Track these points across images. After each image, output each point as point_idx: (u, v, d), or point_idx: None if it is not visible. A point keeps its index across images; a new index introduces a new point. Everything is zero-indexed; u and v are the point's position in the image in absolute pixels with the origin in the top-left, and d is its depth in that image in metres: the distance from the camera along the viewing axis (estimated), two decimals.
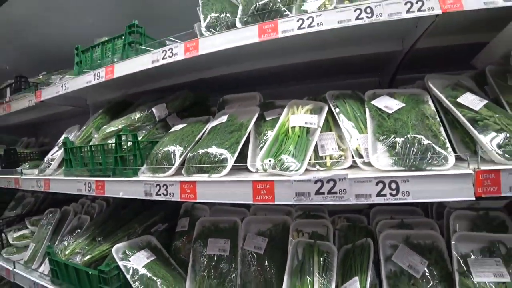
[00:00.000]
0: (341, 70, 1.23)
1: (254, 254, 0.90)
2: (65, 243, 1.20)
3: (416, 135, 0.70)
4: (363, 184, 0.67)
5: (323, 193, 0.68)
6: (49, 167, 1.34)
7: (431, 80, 0.86)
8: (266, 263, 0.87)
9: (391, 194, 0.66)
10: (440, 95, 0.80)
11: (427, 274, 0.76)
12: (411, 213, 0.95)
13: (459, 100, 0.79)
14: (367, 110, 0.83)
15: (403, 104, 0.81)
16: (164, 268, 0.97)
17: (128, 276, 0.93)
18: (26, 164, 1.57)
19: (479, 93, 0.90)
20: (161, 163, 0.92)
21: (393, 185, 0.66)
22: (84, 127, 1.27)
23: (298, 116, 0.85)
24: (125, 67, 1.11)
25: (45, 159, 1.40)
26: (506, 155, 0.67)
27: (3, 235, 1.56)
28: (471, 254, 0.76)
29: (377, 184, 0.66)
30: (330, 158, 0.79)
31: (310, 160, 0.78)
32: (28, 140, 1.95)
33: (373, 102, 0.84)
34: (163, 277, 0.93)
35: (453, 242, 0.77)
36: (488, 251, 0.76)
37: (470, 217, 0.83)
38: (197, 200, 0.80)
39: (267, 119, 0.94)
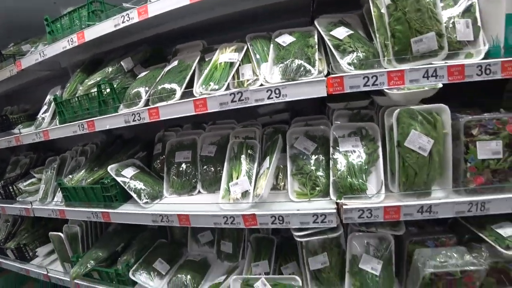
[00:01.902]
0: (274, 14, 1.68)
1: (208, 157, 1.49)
2: (70, 176, 1.78)
3: (294, 59, 1.23)
4: (259, 93, 1.21)
5: (235, 101, 1.23)
6: (43, 122, 1.86)
7: (318, 20, 1.36)
8: (215, 162, 1.47)
9: (276, 97, 1.21)
10: (320, 30, 1.31)
11: (315, 151, 1.36)
12: (317, 119, 1.52)
13: (331, 32, 1.31)
14: (271, 45, 1.34)
15: (294, 39, 1.32)
16: (147, 176, 1.56)
17: (122, 183, 1.51)
18: (19, 125, 2.08)
19: (356, 27, 1.41)
20: (133, 100, 1.45)
21: (277, 91, 1.21)
22: (67, 84, 1.75)
23: (225, 55, 1.36)
24: (93, 32, 1.56)
25: (38, 117, 1.91)
26: (350, 67, 1.21)
27: (14, 187, 2.13)
28: (343, 136, 1.34)
29: (267, 91, 1.21)
30: (247, 81, 1.33)
31: (235, 83, 1.31)
32: (12, 109, 2.42)
33: (276, 39, 1.35)
34: (146, 181, 1.53)
35: (333, 131, 1.34)
36: (353, 134, 1.35)
37: (347, 114, 1.40)
38: (160, 119, 1.35)
39: (206, 60, 1.45)
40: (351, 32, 1.30)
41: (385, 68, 1.17)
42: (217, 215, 1.29)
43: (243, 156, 1.37)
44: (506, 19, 1.13)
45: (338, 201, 1.21)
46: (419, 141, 1.12)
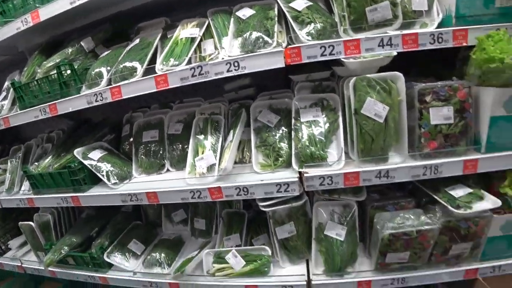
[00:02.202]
0: None
1: (175, 135, 1.50)
2: (36, 164, 1.74)
3: (253, 31, 1.24)
4: (218, 66, 1.22)
5: (195, 76, 1.24)
6: (2, 109, 1.80)
7: None
8: (182, 139, 1.48)
9: (235, 69, 1.22)
10: (280, 2, 1.32)
11: (278, 123, 1.39)
12: (282, 92, 1.55)
13: (290, 4, 1.32)
14: (232, 19, 1.34)
15: (254, 12, 1.33)
16: (115, 158, 1.56)
17: (89, 166, 1.51)
18: None
19: None
20: (95, 80, 1.42)
21: (236, 64, 1.22)
22: (25, 68, 1.70)
23: (186, 30, 1.36)
24: (48, 11, 1.50)
25: None
26: (307, 37, 1.23)
27: None
28: (305, 107, 1.38)
29: (226, 64, 1.22)
30: (209, 56, 1.33)
31: (196, 57, 1.31)
32: None
33: (236, 13, 1.35)
34: (114, 162, 1.53)
35: (294, 102, 1.38)
36: (315, 105, 1.38)
37: (310, 86, 1.44)
38: (123, 97, 1.34)
39: (169, 36, 1.43)
40: (310, 3, 1.32)
41: (342, 38, 1.20)
42: (184, 190, 1.32)
43: (208, 132, 1.39)
44: None
45: (300, 170, 1.25)
46: (374, 108, 1.17)
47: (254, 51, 1.22)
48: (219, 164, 1.30)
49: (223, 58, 1.25)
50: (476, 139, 1.27)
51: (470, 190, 1.29)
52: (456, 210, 1.21)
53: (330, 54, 1.20)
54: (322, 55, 1.20)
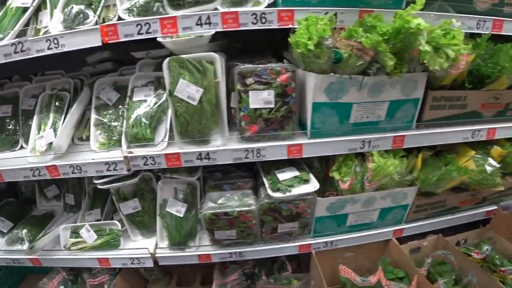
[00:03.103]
0: None
1: (28, 111, 1.52)
2: None
3: (75, 5, 1.21)
4: (38, 43, 1.20)
5: (18, 52, 1.23)
6: None
7: None
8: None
9: (55, 47, 1.21)
10: None
11: (117, 101, 1.42)
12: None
13: None
14: None
15: None
16: None
17: None
18: None
19: None
20: None
21: (55, 41, 1.20)
22: None
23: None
24: None
25: None
26: (125, 13, 1.20)
27: None
28: (141, 85, 1.39)
29: (46, 41, 1.20)
30: (45, 28, 1.30)
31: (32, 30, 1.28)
32: None
33: None
34: None
35: (130, 80, 1.38)
36: (151, 83, 1.39)
37: (153, 64, 1.44)
38: None
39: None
40: None
41: (159, 15, 1.18)
42: (25, 168, 1.36)
43: (51, 108, 1.41)
44: None
45: (123, 150, 1.30)
46: (187, 90, 1.19)
47: (73, 27, 1.20)
48: None
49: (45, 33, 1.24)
50: (304, 124, 1.31)
51: (297, 173, 1.36)
52: (273, 193, 1.28)
53: (147, 32, 1.19)
54: (138, 33, 1.19)
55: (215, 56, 1.19)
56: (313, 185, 1.32)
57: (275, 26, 1.20)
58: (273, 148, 1.29)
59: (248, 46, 1.72)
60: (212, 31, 1.18)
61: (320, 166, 1.50)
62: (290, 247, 1.51)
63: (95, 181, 1.37)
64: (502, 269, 1.55)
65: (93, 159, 1.32)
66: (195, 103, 1.20)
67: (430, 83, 1.40)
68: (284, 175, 1.36)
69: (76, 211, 1.72)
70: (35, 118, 1.42)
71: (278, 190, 1.30)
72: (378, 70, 1.18)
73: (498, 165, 1.54)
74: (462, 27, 1.34)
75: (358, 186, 1.38)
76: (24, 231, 1.58)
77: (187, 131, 1.24)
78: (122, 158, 1.30)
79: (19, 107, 1.54)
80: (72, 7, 1.21)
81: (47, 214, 1.73)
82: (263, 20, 1.19)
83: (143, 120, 1.30)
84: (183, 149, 1.27)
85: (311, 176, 1.37)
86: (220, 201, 1.33)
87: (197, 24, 1.18)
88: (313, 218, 1.43)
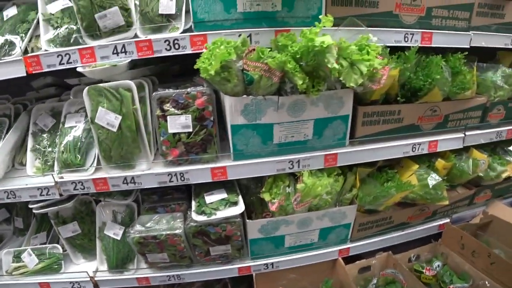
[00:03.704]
0: None
1: None
2: None
3: (3, 35, 1.27)
4: None
5: None
6: None
7: None
8: None
9: None
10: (39, 3, 1.34)
11: (53, 127, 1.47)
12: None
13: (48, 5, 1.33)
14: None
15: (16, 12, 1.35)
16: None
17: None
18: None
19: None
20: None
21: None
22: None
23: None
24: None
25: None
26: (48, 44, 1.26)
27: None
28: (74, 111, 1.44)
29: None
30: None
31: None
32: None
33: (3, 12, 1.38)
34: None
35: (64, 106, 1.43)
36: (83, 109, 1.44)
37: None
38: None
39: None
40: (70, 5, 1.32)
41: (78, 46, 1.23)
42: None
43: None
44: None
45: (55, 175, 1.34)
46: (106, 118, 1.24)
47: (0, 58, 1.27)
48: None
49: None
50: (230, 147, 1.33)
51: (225, 196, 1.37)
52: (196, 217, 1.30)
53: (68, 62, 1.24)
54: (60, 63, 1.25)
55: (131, 83, 1.23)
56: (240, 207, 1.33)
57: (189, 51, 1.24)
58: (196, 172, 1.31)
59: (188, 67, 1.76)
60: (128, 59, 1.23)
61: (256, 187, 1.51)
62: (228, 270, 1.51)
63: (30, 206, 1.42)
64: (451, 286, 1.52)
65: (26, 185, 1.37)
66: (114, 129, 1.24)
67: (360, 98, 1.42)
68: (211, 198, 1.38)
69: (25, 235, 1.76)
70: None
71: (203, 213, 1.32)
72: (293, 90, 1.20)
73: (441, 179, 1.53)
74: (388, 40, 1.36)
75: (290, 207, 1.39)
76: None
77: (111, 156, 1.28)
78: (52, 184, 1.34)
79: None
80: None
81: None
82: (176, 46, 1.23)
83: (72, 146, 1.35)
84: (110, 174, 1.31)
85: (240, 198, 1.38)
86: (148, 224, 1.36)
87: (113, 53, 1.23)
88: (247, 240, 1.44)
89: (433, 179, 1.54)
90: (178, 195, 1.54)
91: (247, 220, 1.37)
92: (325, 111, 1.30)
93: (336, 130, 1.37)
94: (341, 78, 1.14)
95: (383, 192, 1.47)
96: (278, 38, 1.19)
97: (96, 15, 1.20)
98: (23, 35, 1.31)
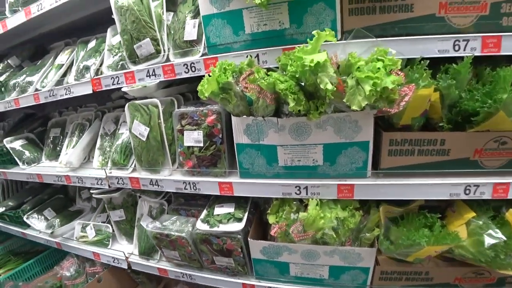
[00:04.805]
0: None
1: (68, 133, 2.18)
2: None
3: (83, 62, 1.71)
4: (59, 90, 1.77)
5: (52, 96, 1.83)
6: None
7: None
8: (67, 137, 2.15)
9: (68, 94, 1.74)
10: (108, 36, 1.72)
11: (114, 132, 1.85)
12: None
13: (113, 38, 1.70)
14: (83, 49, 1.85)
15: (94, 44, 1.78)
16: (31, 146, 2.35)
17: (11, 151, 2.31)
18: None
19: None
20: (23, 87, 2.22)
21: (69, 89, 1.74)
22: None
23: (60, 57, 1.95)
24: None
25: None
26: (108, 69, 1.61)
27: None
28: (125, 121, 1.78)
29: (64, 89, 1.75)
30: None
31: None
32: None
33: (88, 44, 1.84)
34: (27, 149, 2.32)
35: (121, 116, 1.79)
36: None
37: None
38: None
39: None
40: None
41: (124, 70, 1.54)
42: (52, 175, 1.98)
43: (75, 134, 1.99)
44: (203, 20, 1.30)
45: (106, 170, 1.71)
46: (139, 129, 1.50)
47: (79, 80, 1.71)
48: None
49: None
50: None
51: (231, 210, 1.45)
52: (199, 225, 1.44)
53: (118, 83, 1.57)
54: (113, 84, 1.59)
55: (157, 101, 1.48)
56: (241, 224, 1.38)
57: (203, 73, 1.37)
58: (206, 184, 1.44)
59: None
60: (157, 81, 1.45)
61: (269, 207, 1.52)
62: (234, 283, 1.59)
63: (91, 191, 1.86)
64: None
65: (89, 174, 1.80)
66: (144, 139, 1.50)
67: (388, 123, 1.24)
68: (220, 210, 1.48)
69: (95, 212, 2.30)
70: (65, 140, 2.04)
71: (207, 222, 1.44)
72: (291, 112, 1.17)
73: (504, 238, 1.17)
74: (428, 51, 1.14)
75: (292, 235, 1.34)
76: (57, 220, 2.24)
77: (141, 160, 1.56)
78: (104, 176, 1.72)
79: (64, 131, 2.23)
80: (81, 63, 1.73)
81: (78, 211, 2.39)
82: (193, 68, 1.39)
83: (120, 149, 1.69)
84: (141, 175, 1.59)
85: (246, 215, 1.43)
86: (166, 223, 1.57)
87: (147, 76, 1.48)
88: (250, 258, 1.47)
89: (492, 236, 1.19)
90: (201, 202, 1.72)
91: (249, 239, 1.41)
92: (336, 135, 1.21)
93: (353, 158, 1.25)
94: (344, 100, 1.04)
95: (409, 240, 1.23)
96: (280, 57, 1.18)
97: (134, 46, 1.48)
98: (95, 61, 1.73)
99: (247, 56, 1.28)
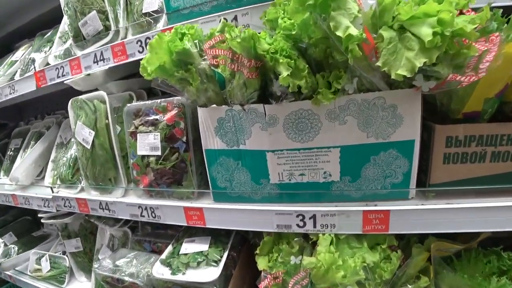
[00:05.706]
0: None
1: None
2: None
3: (30, 55, 1.38)
4: (5, 89, 1.44)
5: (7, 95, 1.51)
6: None
7: None
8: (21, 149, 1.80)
9: (12, 92, 1.41)
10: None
11: (69, 141, 1.48)
12: None
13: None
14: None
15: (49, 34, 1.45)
16: None
17: None
18: None
19: None
20: None
21: (12, 86, 1.40)
22: None
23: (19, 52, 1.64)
24: None
25: None
26: (54, 59, 1.26)
27: None
28: None
29: (8, 87, 1.42)
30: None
31: None
32: None
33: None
34: None
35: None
36: None
37: None
38: None
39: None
40: None
41: (70, 57, 1.18)
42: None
43: (30, 144, 1.64)
44: None
45: (55, 189, 1.32)
46: (82, 133, 1.12)
47: (22, 75, 1.38)
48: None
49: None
50: None
51: (206, 248, 1.01)
52: (154, 269, 1.01)
53: (63, 75, 1.22)
54: (58, 76, 1.23)
55: (104, 94, 1.08)
56: (216, 272, 0.92)
57: None
58: (168, 209, 1.02)
59: None
60: (103, 68, 1.07)
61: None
62: None
63: (39, 215, 1.47)
64: None
65: (36, 194, 1.42)
66: (88, 146, 1.11)
67: (441, 111, 0.79)
68: (189, 246, 1.04)
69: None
70: (20, 152, 1.70)
71: (169, 266, 0.99)
72: (288, 92, 0.73)
73: None
74: None
75: None
76: (16, 247, 1.85)
77: (87, 176, 1.15)
78: (50, 196, 1.33)
79: (25, 141, 1.89)
80: (27, 57, 1.40)
81: (42, 236, 2.01)
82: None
83: (69, 161, 1.31)
84: (89, 196, 1.19)
85: (225, 256, 0.98)
86: (119, 262, 1.14)
87: (94, 62, 1.11)
88: None
89: None
90: (172, 232, 1.27)
91: None
92: (361, 132, 0.76)
93: (387, 169, 0.79)
94: (378, 64, 0.60)
95: None
96: (267, 11, 0.77)
97: (79, 23, 1.12)
98: (44, 53, 1.39)
99: (220, 21, 0.89)
